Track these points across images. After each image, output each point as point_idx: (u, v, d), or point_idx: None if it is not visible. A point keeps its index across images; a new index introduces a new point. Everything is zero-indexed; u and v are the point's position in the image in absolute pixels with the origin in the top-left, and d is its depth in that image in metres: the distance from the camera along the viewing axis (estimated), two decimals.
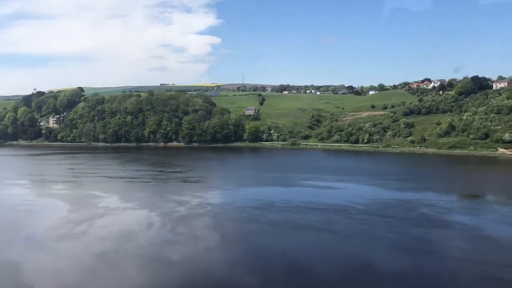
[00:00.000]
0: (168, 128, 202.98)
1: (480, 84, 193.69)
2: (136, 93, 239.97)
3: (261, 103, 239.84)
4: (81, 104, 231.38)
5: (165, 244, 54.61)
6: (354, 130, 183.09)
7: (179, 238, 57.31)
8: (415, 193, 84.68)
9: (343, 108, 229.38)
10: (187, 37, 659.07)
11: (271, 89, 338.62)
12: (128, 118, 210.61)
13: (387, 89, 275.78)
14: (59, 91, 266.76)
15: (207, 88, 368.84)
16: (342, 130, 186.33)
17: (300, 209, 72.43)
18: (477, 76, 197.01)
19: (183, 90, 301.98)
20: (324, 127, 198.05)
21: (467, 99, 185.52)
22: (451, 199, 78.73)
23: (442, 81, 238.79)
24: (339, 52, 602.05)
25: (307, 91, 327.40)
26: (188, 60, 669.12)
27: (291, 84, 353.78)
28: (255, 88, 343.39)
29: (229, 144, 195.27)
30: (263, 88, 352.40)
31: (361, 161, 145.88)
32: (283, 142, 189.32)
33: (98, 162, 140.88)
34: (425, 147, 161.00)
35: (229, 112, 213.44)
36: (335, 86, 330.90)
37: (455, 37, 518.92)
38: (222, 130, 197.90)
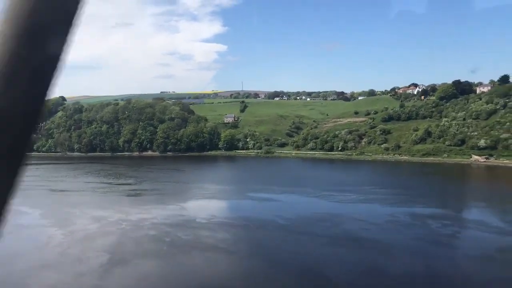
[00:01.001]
0: (143, 137, 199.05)
1: (462, 89, 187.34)
2: (114, 102, 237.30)
3: (242, 110, 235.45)
4: (59, 113, 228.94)
5: (39, 269, 50.25)
6: (329, 138, 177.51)
7: (61, 261, 53.08)
8: (353, 205, 79.54)
9: (327, 115, 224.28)
10: (193, 44, 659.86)
11: (264, 96, 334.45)
12: (104, 127, 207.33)
13: (376, 95, 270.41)
14: None
15: (204, 95, 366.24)
16: (317, 138, 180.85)
17: (218, 226, 67.86)
18: (459, 80, 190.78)
19: (180, 98, 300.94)
20: (302, 134, 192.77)
21: (447, 104, 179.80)
22: (386, 212, 73.31)
23: (429, 86, 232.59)
24: (340, 58, 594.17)
25: (298, 97, 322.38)
26: (195, 68, 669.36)
27: (285, 90, 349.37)
28: (248, 95, 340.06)
29: (204, 153, 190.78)
30: (256, 94, 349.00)
31: (326, 170, 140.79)
32: (258, 150, 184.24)
33: (55, 174, 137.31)
34: (399, 154, 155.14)
35: (206, 120, 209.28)
36: (326, 92, 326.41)
37: (451, 41, 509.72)
38: (196, 138, 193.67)
